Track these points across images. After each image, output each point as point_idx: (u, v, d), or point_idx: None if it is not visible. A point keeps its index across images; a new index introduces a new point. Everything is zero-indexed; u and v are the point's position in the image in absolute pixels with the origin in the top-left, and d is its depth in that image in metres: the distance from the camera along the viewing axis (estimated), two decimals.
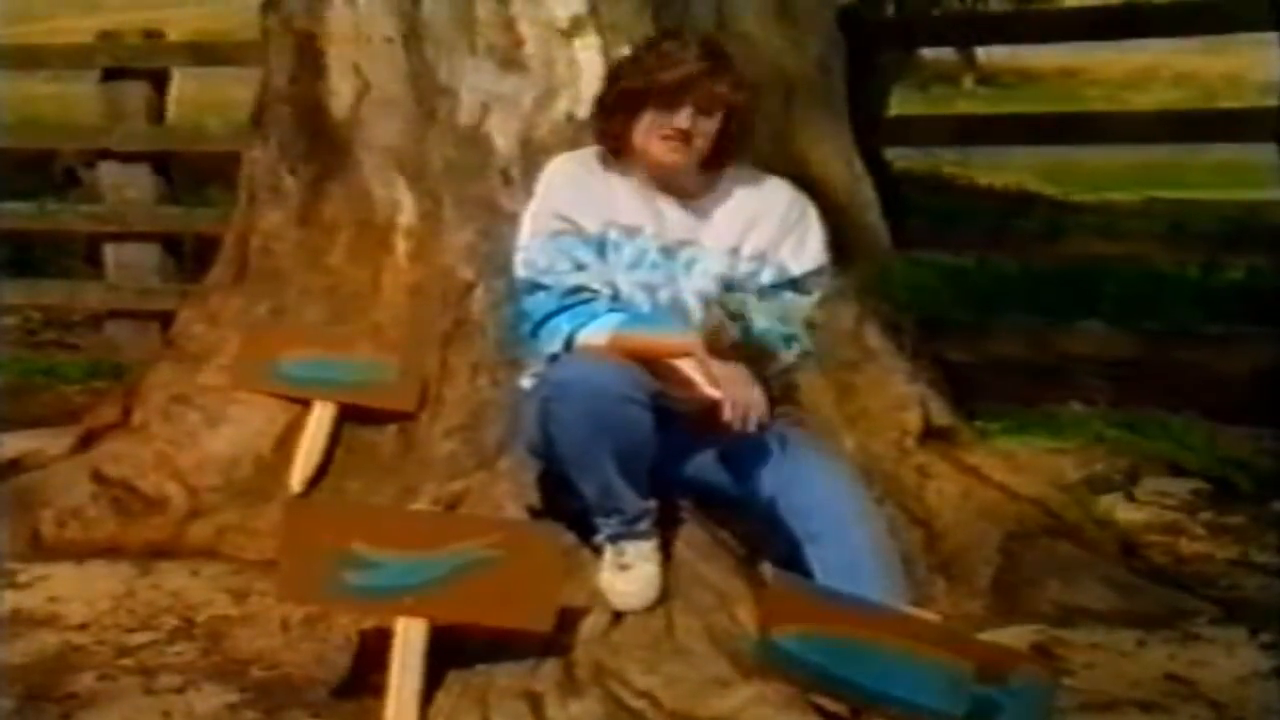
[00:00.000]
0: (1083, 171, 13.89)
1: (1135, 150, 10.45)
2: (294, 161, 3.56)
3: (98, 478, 3.33)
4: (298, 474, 3.24)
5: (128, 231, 5.43)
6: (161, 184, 5.44)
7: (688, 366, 2.59)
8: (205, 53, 5.81)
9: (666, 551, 2.71)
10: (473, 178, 3.28)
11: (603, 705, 2.45)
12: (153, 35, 5.64)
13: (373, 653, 2.59)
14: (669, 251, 2.71)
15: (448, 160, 3.31)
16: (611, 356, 2.54)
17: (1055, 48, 16.55)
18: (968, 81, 24.00)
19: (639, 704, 2.44)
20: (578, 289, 2.62)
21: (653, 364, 2.57)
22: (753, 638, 2.49)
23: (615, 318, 2.61)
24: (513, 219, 3.09)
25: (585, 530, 2.71)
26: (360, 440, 3.32)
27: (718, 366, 2.51)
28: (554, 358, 2.62)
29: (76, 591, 3.03)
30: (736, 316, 2.49)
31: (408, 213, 3.39)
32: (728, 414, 2.50)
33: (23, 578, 3.10)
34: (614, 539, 2.65)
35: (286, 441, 3.32)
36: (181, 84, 5.86)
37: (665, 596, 2.65)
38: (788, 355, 2.68)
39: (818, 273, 2.77)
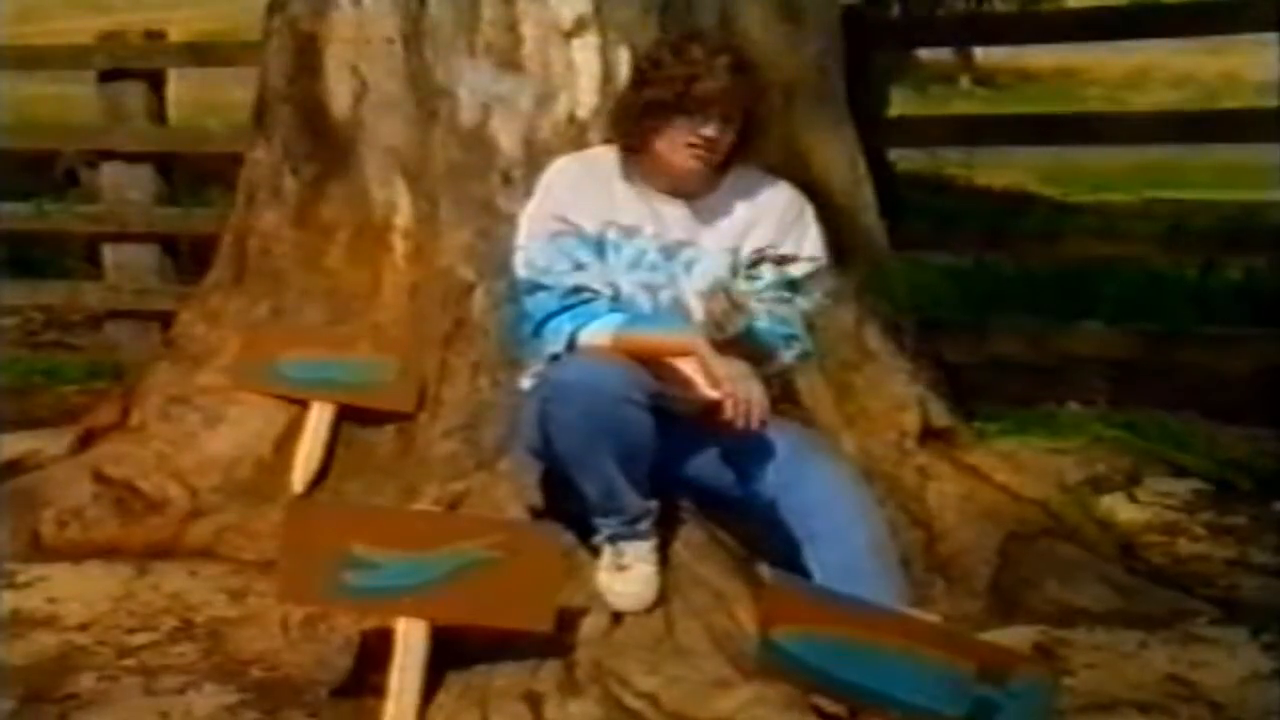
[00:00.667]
0: (1082, 172, 13.89)
1: (1134, 151, 10.44)
2: (295, 162, 3.56)
3: (98, 478, 3.33)
4: (298, 475, 3.24)
5: (126, 232, 5.43)
6: (162, 185, 5.44)
7: (688, 366, 2.59)
8: (205, 53, 5.80)
9: (665, 552, 2.71)
10: (473, 179, 3.28)
11: (602, 706, 2.45)
12: (154, 36, 5.63)
13: (373, 653, 2.59)
14: (669, 252, 2.71)
15: (450, 161, 3.31)
16: (612, 357, 2.54)
17: (1053, 47, 16.55)
18: (965, 81, 24.00)
19: (639, 705, 2.44)
20: (578, 289, 2.63)
21: (654, 364, 2.57)
22: (752, 638, 2.48)
23: (617, 318, 2.61)
24: (512, 220, 3.09)
25: (585, 530, 2.71)
26: (360, 441, 3.32)
27: (719, 364, 2.51)
28: (555, 357, 2.62)
29: (76, 592, 3.02)
30: (740, 306, 2.49)
31: (406, 213, 3.39)
32: (729, 411, 2.50)
33: (22, 578, 3.09)
34: (613, 539, 2.65)
35: (286, 442, 3.32)
36: (182, 85, 5.86)
37: (664, 597, 2.66)
38: (788, 355, 2.69)
39: (816, 273, 2.78)
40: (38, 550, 3.23)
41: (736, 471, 2.67)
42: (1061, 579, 3.05)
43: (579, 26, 3.23)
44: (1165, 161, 13.32)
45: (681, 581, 2.71)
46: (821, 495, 2.59)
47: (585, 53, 3.22)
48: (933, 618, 2.61)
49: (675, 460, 2.69)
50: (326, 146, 3.50)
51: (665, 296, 2.70)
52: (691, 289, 2.70)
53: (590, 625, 2.61)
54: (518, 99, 3.25)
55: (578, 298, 2.63)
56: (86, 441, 3.53)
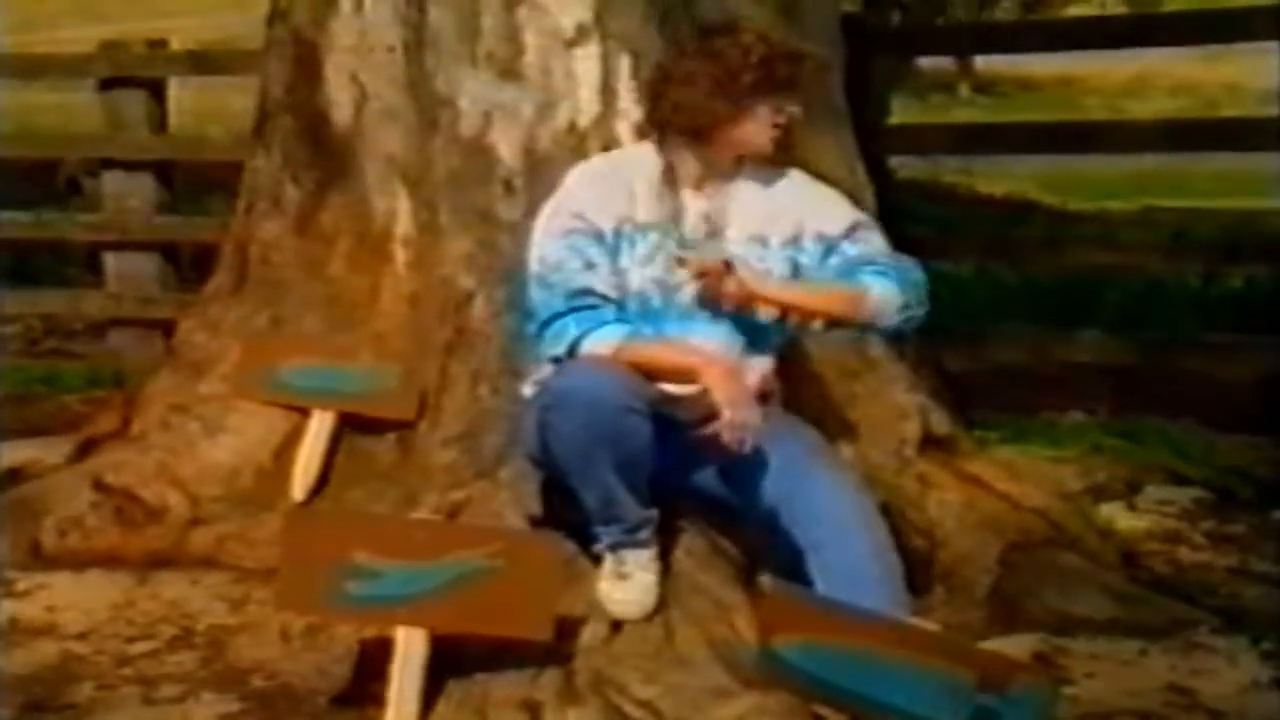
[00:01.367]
0: (1082, 180, 13.89)
1: (1134, 159, 10.44)
2: (295, 170, 3.56)
3: (98, 487, 3.33)
4: (298, 483, 3.24)
5: (127, 240, 5.43)
6: (163, 193, 5.44)
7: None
8: (205, 62, 5.81)
9: (666, 560, 2.71)
10: (473, 187, 3.28)
11: (602, 715, 2.44)
12: (155, 44, 5.64)
13: (373, 662, 2.59)
14: (697, 245, 2.71)
15: (450, 170, 3.31)
16: (611, 366, 2.54)
17: (1053, 56, 16.58)
18: (965, 89, 24.02)
19: (638, 713, 2.44)
20: (585, 291, 2.63)
21: (653, 375, 2.57)
22: (753, 647, 2.48)
23: (623, 329, 2.61)
24: (512, 229, 3.10)
25: (585, 539, 2.70)
26: (360, 449, 3.31)
27: (720, 385, 2.52)
28: (556, 360, 2.62)
29: (76, 601, 3.02)
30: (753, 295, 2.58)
31: (406, 222, 3.39)
32: (726, 435, 2.51)
33: (22, 587, 3.09)
34: (613, 548, 2.65)
35: (286, 450, 3.32)
36: (184, 93, 5.86)
37: (664, 605, 2.65)
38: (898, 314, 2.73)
39: (857, 226, 2.78)
40: (38, 559, 3.23)
41: (737, 479, 2.67)
42: (1062, 588, 3.04)
43: (580, 36, 3.24)
44: (1165, 170, 13.30)
45: (681, 590, 2.70)
46: (823, 503, 2.59)
47: (586, 62, 3.23)
48: (933, 626, 2.61)
49: (675, 468, 2.68)
50: (327, 155, 3.50)
51: (687, 292, 2.69)
52: None
53: (590, 634, 2.60)
54: (519, 108, 3.25)
55: (584, 301, 2.63)
56: (87, 450, 3.53)
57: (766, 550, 2.73)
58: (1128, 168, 12.71)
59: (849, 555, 2.55)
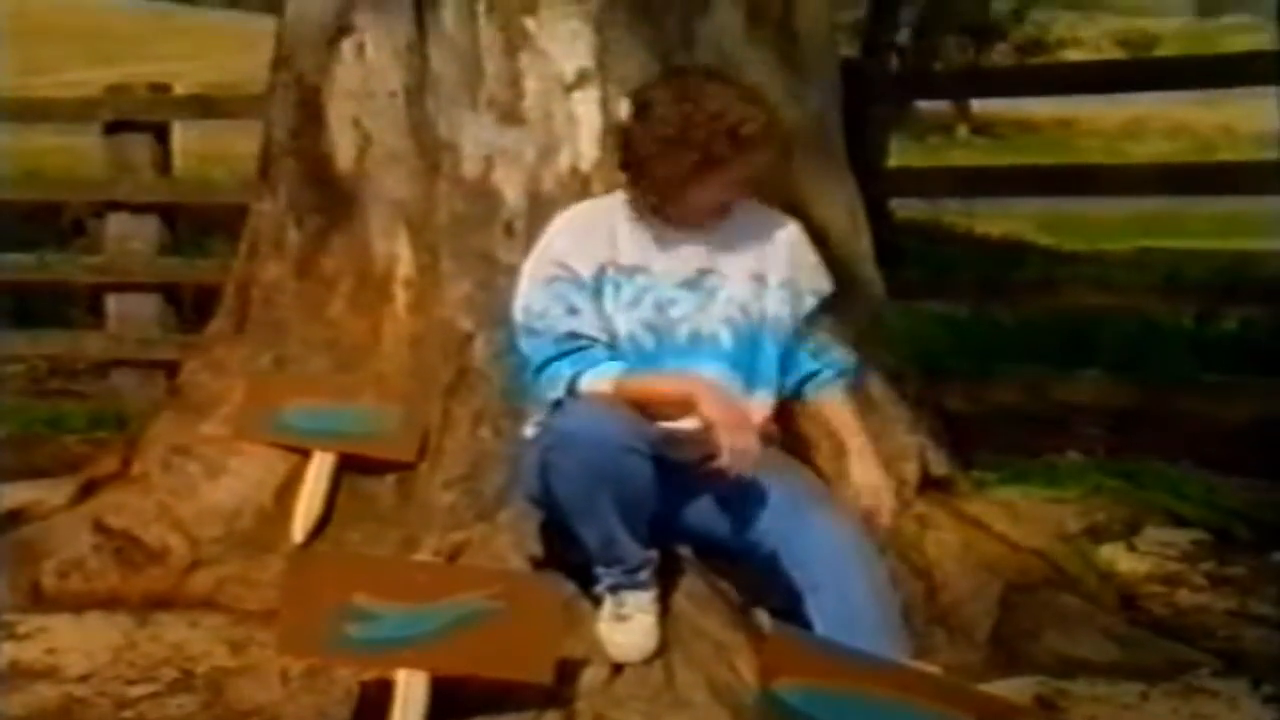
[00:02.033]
0: (1079, 221, 13.95)
1: (1131, 200, 10.50)
2: (299, 214, 3.57)
3: (99, 528, 3.31)
4: (299, 525, 3.23)
5: (129, 282, 5.45)
6: (165, 234, 5.46)
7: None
8: (209, 106, 5.85)
9: (666, 602, 2.69)
10: (475, 230, 3.29)
11: None
12: (159, 89, 5.67)
13: (373, 705, 2.57)
14: (691, 283, 2.72)
15: (452, 213, 3.32)
16: (613, 406, 2.54)
17: (1051, 98, 16.68)
18: (963, 131, 24.15)
19: None
20: (573, 334, 2.64)
21: (654, 410, 2.57)
22: (753, 690, 2.47)
23: (618, 365, 2.62)
24: (512, 271, 3.10)
25: (586, 580, 2.70)
26: (361, 490, 3.30)
27: (717, 411, 2.51)
28: (557, 403, 2.62)
29: (76, 643, 3.00)
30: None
31: (408, 264, 3.40)
32: (724, 459, 2.50)
33: (22, 629, 3.07)
34: (614, 589, 2.64)
35: (287, 491, 3.30)
36: (188, 136, 5.88)
37: (664, 648, 2.64)
38: (834, 378, 2.83)
39: (824, 302, 2.86)
40: (38, 601, 3.21)
41: (737, 521, 2.67)
42: (1062, 630, 3.03)
43: (580, 80, 3.26)
44: (1161, 211, 13.38)
45: (682, 632, 2.69)
46: (822, 546, 2.58)
47: (587, 106, 3.24)
48: (933, 669, 2.60)
49: (676, 510, 2.68)
50: (330, 199, 3.51)
51: (684, 331, 2.70)
52: (719, 316, 2.72)
53: (590, 676, 2.59)
54: (520, 151, 3.27)
55: (574, 344, 2.64)
56: (88, 492, 3.52)
57: (765, 592, 2.72)
58: (1124, 209, 12.77)
59: (847, 597, 2.54)
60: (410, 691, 2.47)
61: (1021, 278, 6.85)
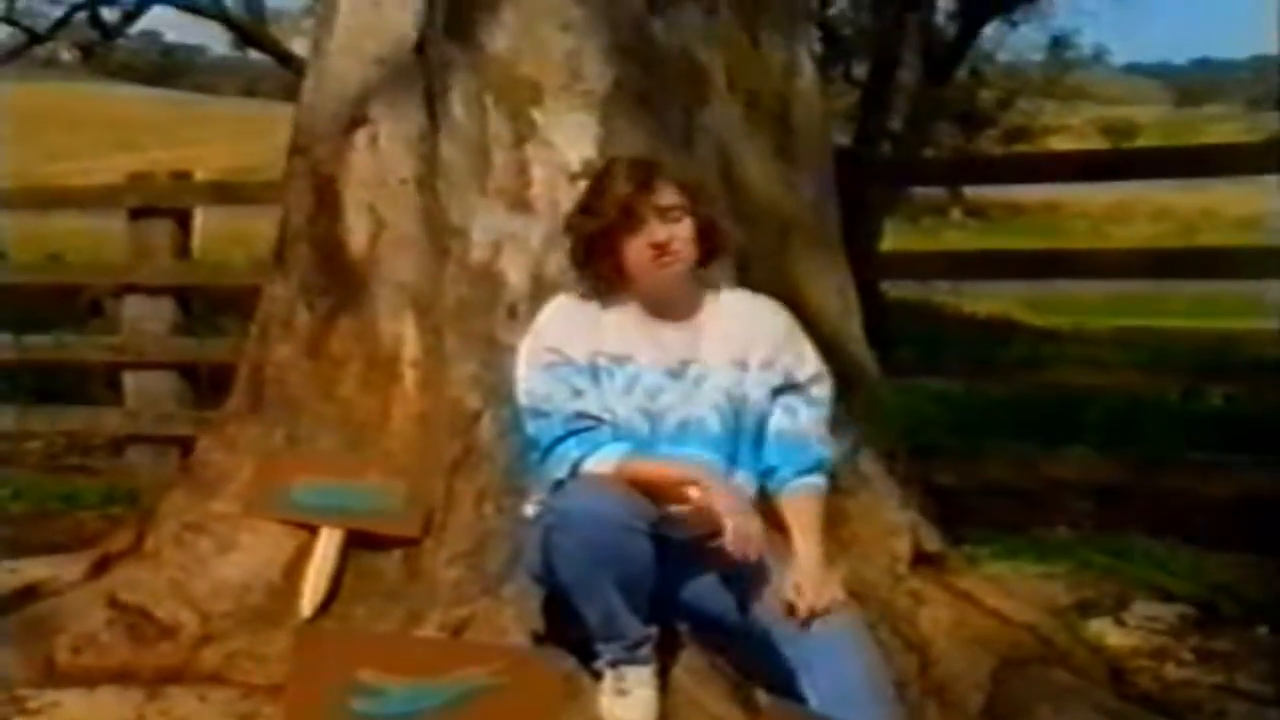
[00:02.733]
0: (1064, 300, 14.00)
1: (1115, 281, 10.54)
2: (310, 296, 3.58)
3: (112, 604, 3.29)
4: (306, 600, 3.20)
5: (146, 360, 5.46)
6: (180, 315, 5.49)
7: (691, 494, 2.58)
8: (229, 192, 5.90)
9: (665, 677, 2.67)
10: (480, 312, 3.30)
11: None
12: (181, 176, 5.72)
13: None
14: (675, 373, 2.72)
15: (459, 296, 3.33)
16: (613, 485, 2.54)
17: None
18: (956, 213, 24.32)
19: None
20: (580, 415, 2.64)
21: (654, 489, 2.56)
22: None
23: (622, 446, 2.61)
24: (515, 351, 3.10)
25: (587, 655, 2.68)
26: (368, 566, 3.28)
27: (721, 497, 2.50)
28: (559, 483, 2.61)
29: (88, 718, 2.97)
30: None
31: (415, 345, 3.40)
32: (730, 545, 2.48)
33: (34, 704, 3.03)
34: (614, 664, 2.63)
35: (295, 567, 3.28)
36: (208, 218, 5.92)
37: None
38: (817, 477, 2.76)
39: (820, 378, 2.80)
40: (51, 676, 3.17)
41: (734, 598, 2.65)
42: (1053, 705, 2.99)
43: (585, 169, 3.28)
44: (1143, 292, 13.42)
45: (681, 706, 2.67)
46: (815, 623, 2.56)
47: None
48: None
49: (674, 587, 2.67)
50: (341, 282, 3.52)
51: (673, 418, 2.70)
52: (706, 403, 2.71)
53: None
54: (527, 237, 3.29)
55: (582, 424, 2.63)
56: (102, 567, 3.50)
57: (762, 668, 2.70)
58: (1107, 289, 12.83)
59: (841, 674, 2.52)
60: None
61: (1010, 356, 6.87)
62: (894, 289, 6.68)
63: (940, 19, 14.16)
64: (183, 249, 5.56)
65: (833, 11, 14.83)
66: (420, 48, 3.46)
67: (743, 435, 2.73)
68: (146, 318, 5.46)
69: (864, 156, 6.20)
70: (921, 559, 3.31)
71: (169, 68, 54.90)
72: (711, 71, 3.46)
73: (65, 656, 3.22)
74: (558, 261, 3.25)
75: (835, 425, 2.93)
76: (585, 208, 2.77)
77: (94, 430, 5.87)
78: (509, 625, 2.88)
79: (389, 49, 3.50)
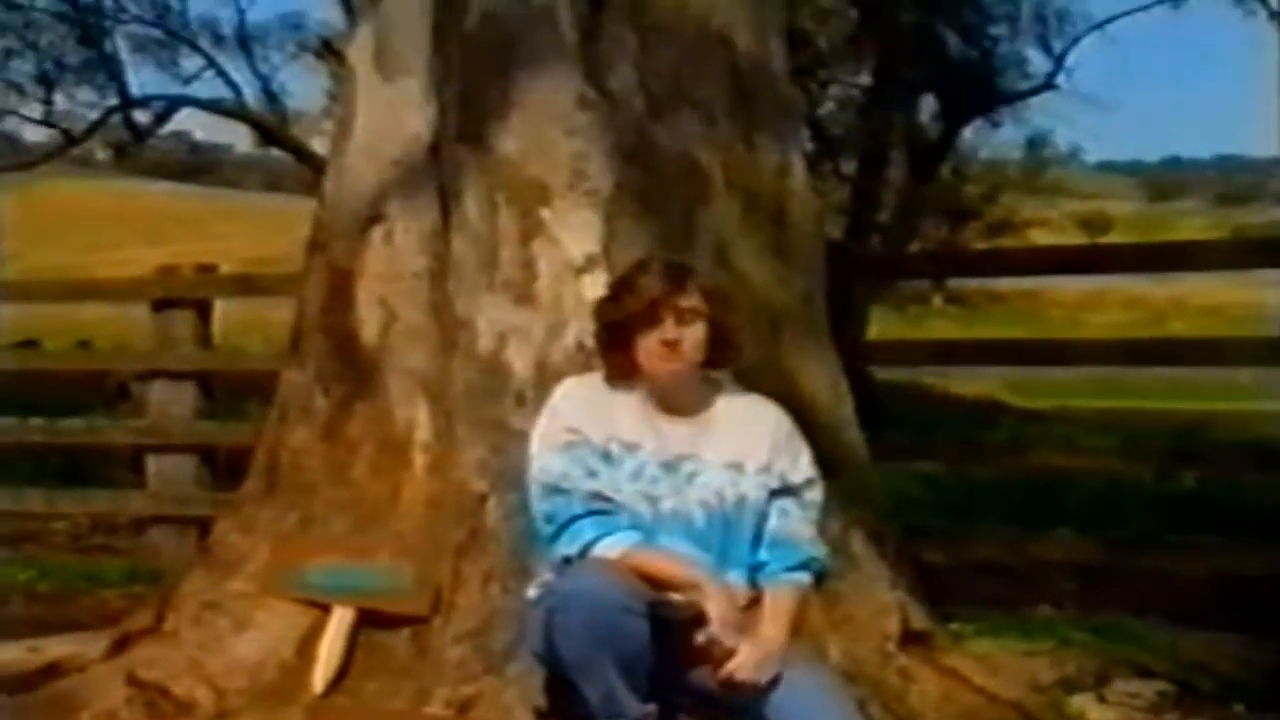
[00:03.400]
0: (1045, 383, 14.01)
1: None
2: (326, 383, 3.58)
3: (132, 681, 3.26)
4: (319, 676, 3.17)
5: (169, 444, 5.45)
6: (202, 399, 5.48)
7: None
8: (249, 284, 5.93)
9: None
10: (488, 400, 3.30)
11: None
12: (205, 269, 5.75)
13: None
14: (671, 466, 2.71)
15: (467, 384, 3.34)
16: (613, 569, 2.53)
17: None
18: (939, 301, 24.41)
19: None
20: (596, 495, 2.64)
21: (654, 580, 2.55)
22: None
23: (632, 535, 2.62)
24: (522, 437, 3.10)
25: None
26: (378, 643, 3.25)
27: (722, 612, 2.52)
28: (567, 560, 2.61)
29: None
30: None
31: (426, 430, 3.40)
32: (742, 675, 2.50)
33: None
34: None
35: (308, 645, 3.25)
36: (229, 305, 5.94)
37: None
38: (805, 577, 2.73)
39: (813, 483, 2.79)
40: None
41: (729, 679, 2.61)
42: None
43: (588, 264, 3.30)
44: (1119, 375, 13.45)
45: None
46: (806, 703, 2.53)
47: (594, 288, 3.26)
48: None
49: (671, 666, 2.63)
50: (355, 370, 3.53)
51: (667, 506, 2.69)
52: (694, 499, 2.70)
53: None
54: (531, 329, 3.30)
55: (600, 505, 2.64)
56: (122, 645, 3.47)
57: None
58: (1087, 371, 12.86)
59: None
60: None
61: (994, 439, 6.86)
62: (883, 372, 6.69)
63: (925, 119, 14.32)
64: (204, 337, 5.57)
65: (823, 112, 14.99)
66: (434, 150, 3.50)
67: (736, 534, 2.72)
68: (171, 402, 5.45)
69: (853, 251, 6.22)
70: (911, 637, 3.29)
71: (197, 165, 55.50)
72: (710, 173, 3.49)
73: None
74: (562, 351, 3.27)
75: (827, 510, 2.91)
76: (613, 296, 2.78)
77: (118, 511, 5.84)
78: (513, 703, 2.85)
79: (405, 151, 3.54)
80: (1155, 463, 5.36)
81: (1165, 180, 78.30)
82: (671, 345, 2.67)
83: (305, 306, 3.71)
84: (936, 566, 4.02)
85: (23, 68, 14.04)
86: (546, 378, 3.21)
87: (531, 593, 2.75)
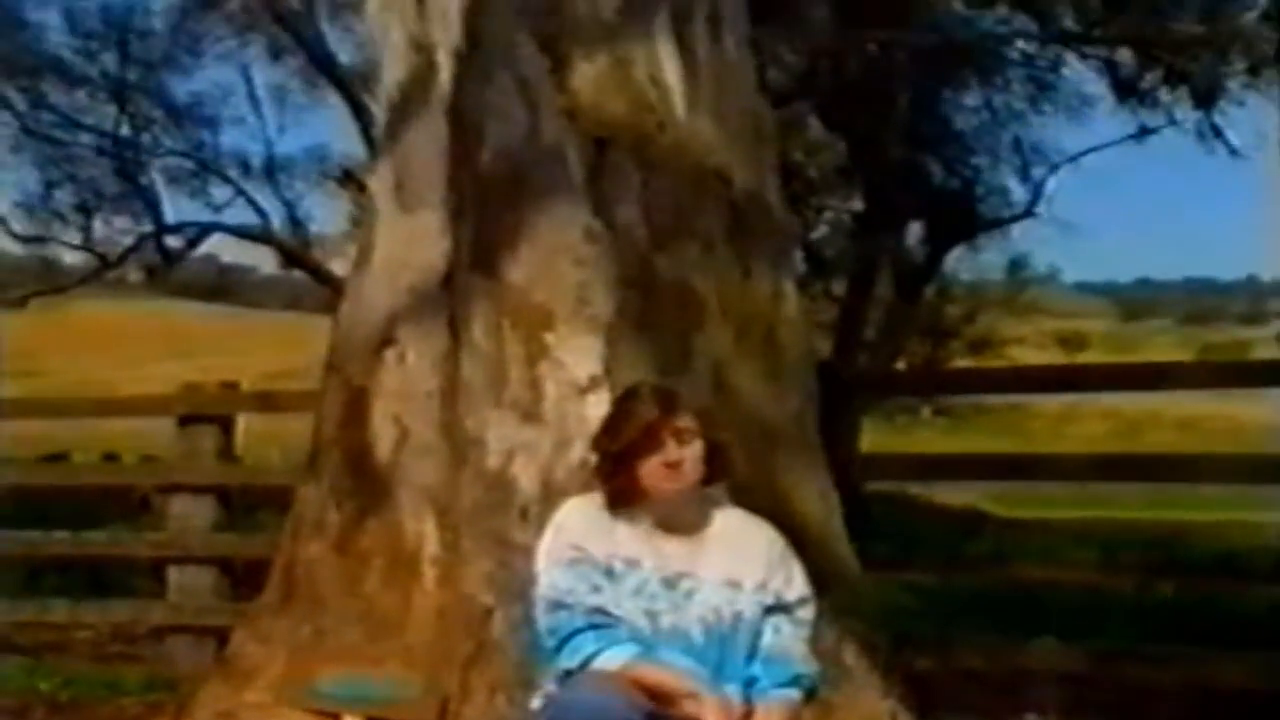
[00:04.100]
0: (1027, 495, 13.94)
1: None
2: (339, 498, 3.58)
3: None
4: None
5: (189, 556, 5.41)
6: (221, 512, 5.45)
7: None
8: (270, 401, 5.93)
9: None
10: (494, 515, 3.29)
11: None
12: (228, 386, 5.77)
13: None
14: (670, 583, 2.70)
15: (475, 499, 3.33)
16: (612, 681, 2.51)
17: None
18: (926, 412, 24.39)
19: None
20: (598, 609, 2.62)
21: (652, 692, 2.52)
22: None
23: (632, 648, 2.59)
24: (527, 551, 3.08)
25: None
26: None
27: (712, 714, 2.48)
28: (568, 673, 2.58)
29: None
30: None
31: (435, 545, 3.39)
32: None
33: None
34: None
35: None
36: (250, 418, 5.94)
37: None
38: (797, 694, 2.68)
39: (806, 601, 2.77)
40: None
41: None
42: None
43: (592, 384, 3.32)
44: (1099, 485, 13.39)
45: None
46: None
47: (598, 407, 3.27)
48: None
49: None
50: (368, 484, 3.53)
51: (666, 622, 2.67)
52: (693, 615, 2.68)
53: None
54: (538, 446, 3.30)
55: (602, 619, 2.61)
56: None
57: None
58: (1066, 484, 12.81)
59: None
60: None
61: (979, 550, 6.81)
62: (871, 484, 6.67)
63: (911, 243, 14.48)
64: (227, 450, 5.56)
65: (815, 236, 15.17)
66: (448, 278, 3.54)
67: (732, 650, 2.69)
68: (191, 515, 5.42)
69: (843, 371, 6.25)
70: None
71: (223, 285, 55.85)
72: (706, 300, 3.53)
73: None
74: (566, 468, 3.27)
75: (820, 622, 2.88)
76: (610, 429, 2.76)
77: (140, 621, 5.77)
78: None
79: (420, 278, 3.58)
80: (1136, 575, 5.32)
81: (1137, 300, 78.85)
82: (674, 466, 2.68)
83: (322, 424, 3.73)
84: (925, 674, 3.96)
85: (64, 198, 14.25)
86: (551, 494, 3.21)
87: (535, 703, 2.71)
